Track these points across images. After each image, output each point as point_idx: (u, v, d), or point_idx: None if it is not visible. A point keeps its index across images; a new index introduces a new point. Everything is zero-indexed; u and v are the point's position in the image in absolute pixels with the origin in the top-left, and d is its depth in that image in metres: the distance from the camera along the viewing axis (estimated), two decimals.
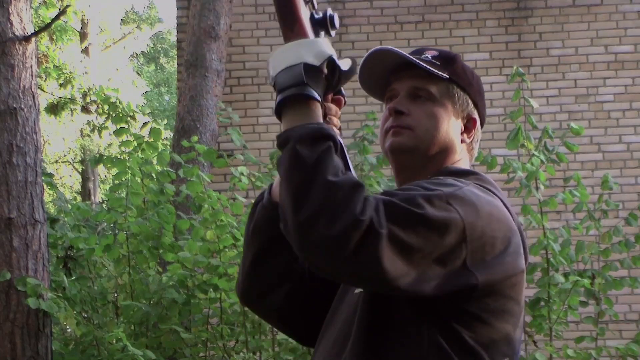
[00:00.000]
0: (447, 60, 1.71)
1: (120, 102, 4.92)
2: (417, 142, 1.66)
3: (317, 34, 1.58)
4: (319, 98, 1.48)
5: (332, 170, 1.40)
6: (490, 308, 1.53)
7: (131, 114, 4.88)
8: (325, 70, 1.50)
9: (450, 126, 1.68)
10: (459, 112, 1.70)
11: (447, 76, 1.68)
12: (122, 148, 4.74)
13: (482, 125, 1.76)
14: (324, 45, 1.52)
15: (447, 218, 1.46)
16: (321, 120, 1.49)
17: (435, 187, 1.51)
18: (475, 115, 1.73)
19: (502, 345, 1.57)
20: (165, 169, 4.65)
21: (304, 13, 1.55)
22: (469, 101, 1.72)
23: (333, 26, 1.59)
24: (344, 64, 1.53)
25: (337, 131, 1.58)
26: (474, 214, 1.49)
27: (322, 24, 1.58)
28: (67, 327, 4.65)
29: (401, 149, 1.66)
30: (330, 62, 1.51)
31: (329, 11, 1.59)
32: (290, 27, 1.52)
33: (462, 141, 1.71)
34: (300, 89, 1.47)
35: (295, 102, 1.48)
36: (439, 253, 1.45)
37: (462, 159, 1.71)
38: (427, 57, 1.70)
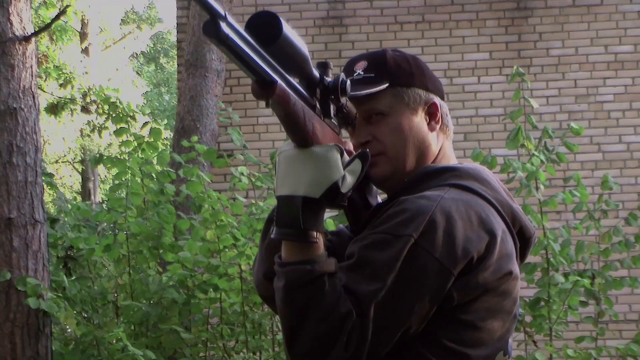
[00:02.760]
0: (379, 65, 1.68)
1: (120, 102, 4.92)
2: (393, 164, 1.67)
3: (326, 99, 1.54)
4: (315, 240, 1.48)
5: (319, 313, 1.46)
6: (471, 310, 1.53)
7: (131, 114, 4.88)
8: (327, 197, 1.47)
9: (414, 127, 1.68)
10: (415, 108, 1.68)
11: (387, 84, 1.66)
12: (122, 148, 4.73)
13: (442, 97, 1.74)
14: (333, 164, 1.47)
15: (422, 270, 1.48)
16: (318, 252, 1.49)
17: (400, 232, 1.50)
18: (432, 98, 1.71)
19: (489, 341, 1.57)
20: (165, 169, 4.64)
21: (312, 117, 1.48)
22: (419, 91, 1.69)
23: (344, 92, 1.53)
24: (350, 177, 1.49)
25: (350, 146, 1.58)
26: (444, 244, 1.49)
27: (332, 91, 1.54)
28: (67, 327, 4.65)
29: (383, 179, 1.67)
30: (334, 187, 1.47)
31: (342, 76, 1.54)
32: (299, 142, 1.48)
33: (432, 130, 1.70)
34: (296, 234, 1.47)
35: (291, 241, 1.49)
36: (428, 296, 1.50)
37: (441, 145, 1.71)
38: (359, 74, 1.68)
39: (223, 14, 1.27)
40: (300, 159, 1.47)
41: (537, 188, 4.39)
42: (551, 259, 4.36)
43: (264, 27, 1.37)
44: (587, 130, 6.45)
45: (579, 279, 4.26)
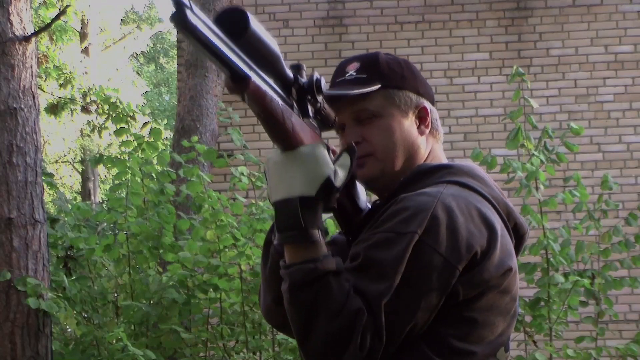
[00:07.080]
0: (371, 67, 1.69)
1: (120, 102, 4.91)
2: (381, 166, 1.67)
3: (303, 100, 1.53)
4: (317, 238, 1.47)
5: (328, 311, 1.45)
6: (475, 307, 1.54)
7: (131, 114, 4.88)
8: (322, 194, 1.47)
9: (404, 130, 1.68)
10: (406, 111, 1.69)
11: (379, 85, 1.66)
12: (122, 148, 4.73)
13: (432, 102, 1.74)
14: (322, 161, 1.47)
15: (428, 266, 1.48)
16: (320, 251, 1.48)
17: (403, 230, 1.50)
18: (422, 102, 1.71)
19: (491, 338, 1.57)
20: (165, 169, 4.64)
21: (291, 115, 1.47)
22: (410, 94, 1.69)
23: (319, 91, 1.53)
24: (342, 171, 1.50)
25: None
26: (448, 240, 1.50)
27: (308, 90, 1.53)
28: (67, 327, 4.65)
29: (370, 179, 1.68)
30: (327, 183, 1.47)
31: (316, 75, 1.53)
32: (284, 145, 1.48)
33: (422, 134, 1.70)
34: (299, 235, 1.47)
35: (294, 242, 1.49)
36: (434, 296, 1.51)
37: (430, 148, 1.71)
38: (351, 75, 1.68)
39: (188, 4, 1.26)
40: (289, 162, 1.47)
41: (537, 188, 4.38)
42: (551, 259, 4.36)
43: (232, 22, 1.36)
44: (587, 130, 6.45)
45: (579, 279, 4.26)
